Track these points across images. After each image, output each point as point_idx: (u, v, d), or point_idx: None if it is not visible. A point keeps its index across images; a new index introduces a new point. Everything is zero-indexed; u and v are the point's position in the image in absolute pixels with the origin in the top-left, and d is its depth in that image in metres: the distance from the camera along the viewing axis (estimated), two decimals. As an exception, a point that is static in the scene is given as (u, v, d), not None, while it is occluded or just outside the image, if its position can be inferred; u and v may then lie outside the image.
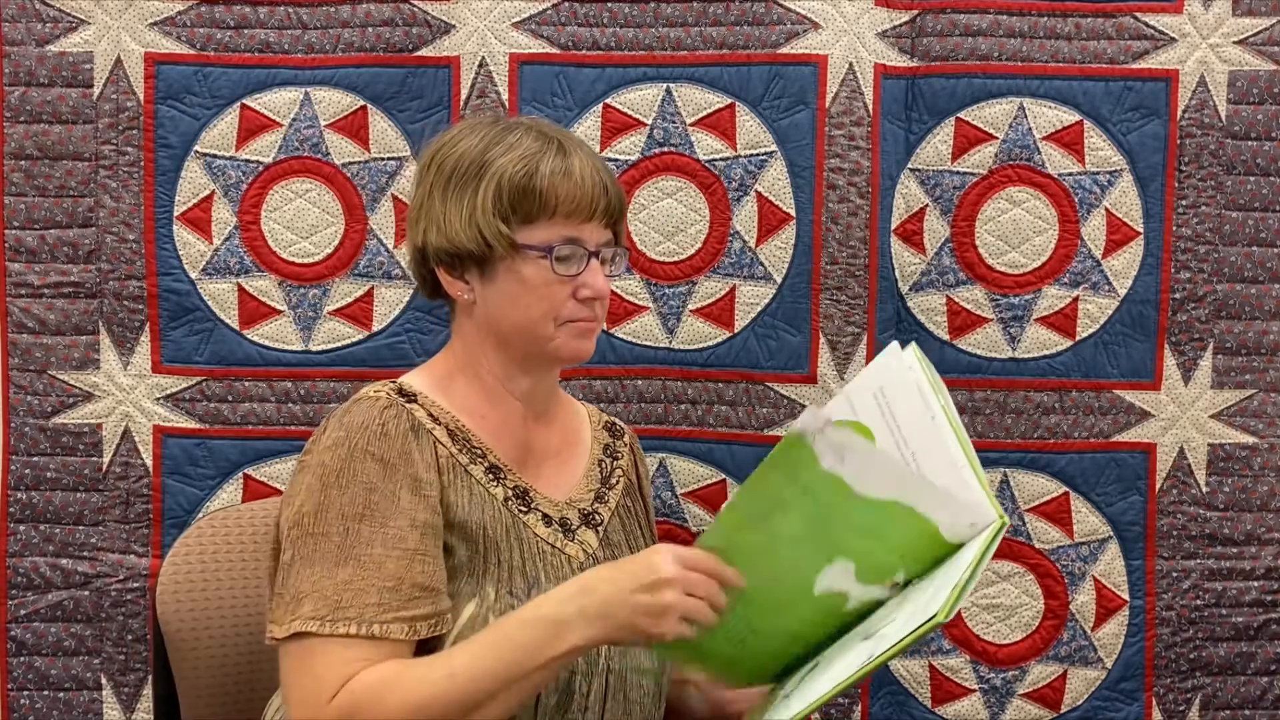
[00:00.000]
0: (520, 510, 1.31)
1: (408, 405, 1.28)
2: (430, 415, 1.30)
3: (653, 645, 1.18)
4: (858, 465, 1.14)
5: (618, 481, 1.46)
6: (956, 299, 1.93)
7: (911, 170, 1.92)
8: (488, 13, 1.92)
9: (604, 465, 1.46)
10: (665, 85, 1.92)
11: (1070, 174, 1.92)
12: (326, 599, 1.16)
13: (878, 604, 1.18)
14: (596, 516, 1.39)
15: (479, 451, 1.32)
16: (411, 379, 1.36)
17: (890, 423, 1.19)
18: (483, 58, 1.92)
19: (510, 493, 1.32)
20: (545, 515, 1.34)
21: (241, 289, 1.94)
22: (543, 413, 1.40)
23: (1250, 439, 1.93)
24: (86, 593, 1.94)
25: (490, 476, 1.31)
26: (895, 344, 1.23)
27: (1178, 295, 1.92)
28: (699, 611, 1.13)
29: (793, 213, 1.92)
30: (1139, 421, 1.93)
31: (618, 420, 1.55)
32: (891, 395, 1.20)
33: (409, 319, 1.94)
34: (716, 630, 1.16)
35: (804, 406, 1.92)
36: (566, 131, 1.37)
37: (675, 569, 1.12)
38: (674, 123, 1.92)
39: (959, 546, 1.14)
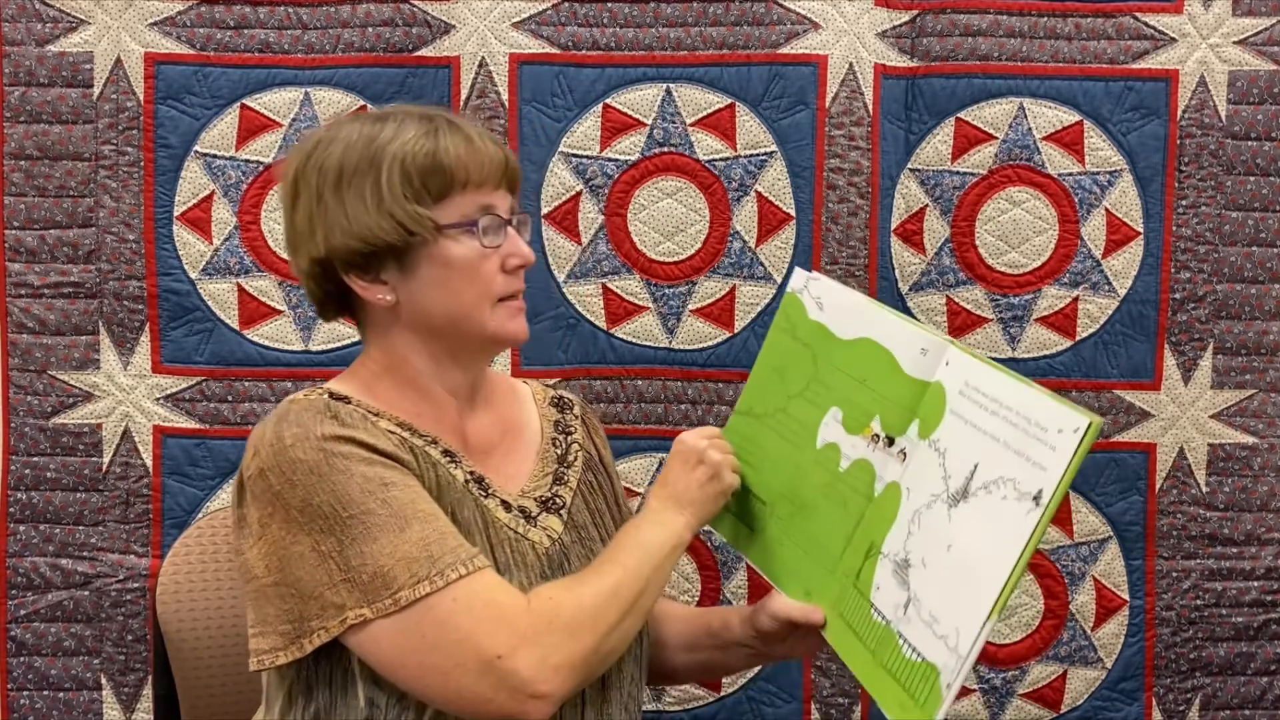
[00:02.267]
0: (480, 495, 1.26)
1: (345, 406, 1.23)
2: (369, 412, 1.24)
3: (721, 531, 1.40)
4: (835, 310, 1.32)
5: (575, 458, 1.40)
6: (956, 299, 1.93)
7: (911, 170, 1.92)
8: (488, 13, 1.92)
9: (558, 444, 1.40)
10: (665, 85, 1.92)
11: (1070, 174, 1.92)
12: (416, 559, 1.13)
13: (867, 469, 1.23)
14: (558, 500, 1.34)
15: (429, 438, 1.27)
16: (336, 385, 1.30)
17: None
18: (483, 58, 1.92)
19: (468, 476, 1.27)
20: (504, 501, 1.29)
21: (241, 289, 1.94)
22: (476, 404, 1.35)
23: (1250, 439, 1.93)
24: (86, 593, 1.94)
25: (447, 459, 1.26)
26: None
27: (1178, 295, 1.92)
28: (733, 459, 1.33)
29: (793, 213, 1.93)
30: (1139, 421, 1.93)
31: (565, 393, 1.49)
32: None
33: (409, 319, 1.94)
34: (764, 515, 1.34)
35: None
36: (441, 107, 1.32)
37: (698, 439, 1.32)
38: (674, 123, 1.92)
39: (920, 384, 1.21)
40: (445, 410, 1.31)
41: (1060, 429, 1.04)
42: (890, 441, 1.22)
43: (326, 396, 1.24)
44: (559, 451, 1.40)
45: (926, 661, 1.09)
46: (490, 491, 1.28)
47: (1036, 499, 1.04)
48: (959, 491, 1.12)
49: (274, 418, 1.20)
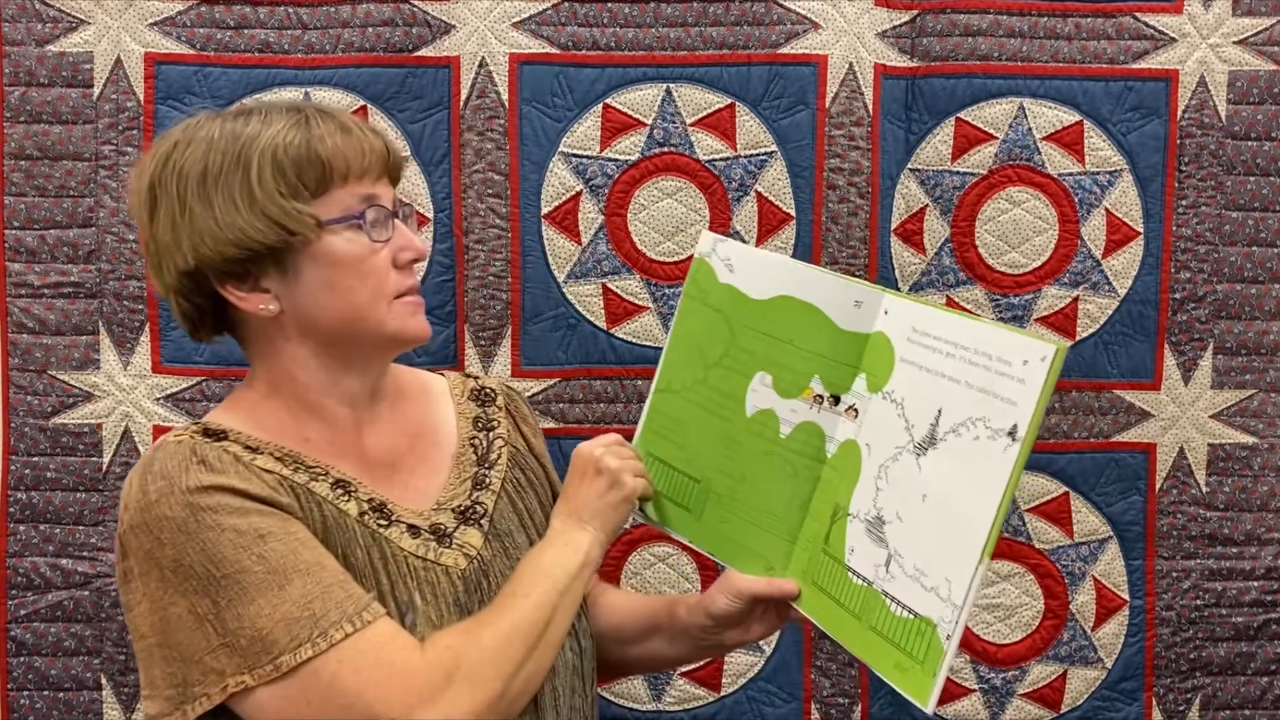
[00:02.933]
0: (380, 525, 1.17)
1: (217, 444, 1.13)
2: (246, 448, 1.14)
3: (654, 518, 1.33)
4: (746, 270, 1.26)
5: (499, 456, 1.31)
6: (956, 299, 1.93)
7: (911, 170, 1.92)
8: (488, 13, 1.92)
9: (478, 444, 1.31)
10: (665, 85, 1.92)
11: (1070, 174, 1.92)
12: (298, 620, 1.05)
13: (814, 431, 1.20)
14: (478, 509, 1.25)
15: (317, 470, 1.17)
16: (216, 417, 1.20)
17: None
18: (483, 58, 1.92)
19: (365, 506, 1.17)
20: (411, 526, 1.19)
21: (241, 289, 1.94)
22: (378, 413, 1.25)
23: (1250, 439, 1.94)
24: (86, 593, 1.94)
25: (339, 491, 1.17)
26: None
27: (1178, 295, 1.92)
28: (633, 463, 1.29)
29: (793, 213, 1.93)
30: (1139, 421, 1.93)
31: (489, 384, 1.40)
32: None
33: (409, 319, 1.94)
34: (701, 495, 1.29)
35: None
36: (305, 100, 1.21)
37: (593, 448, 1.27)
38: (674, 123, 1.92)
39: (858, 337, 1.17)
40: (340, 428, 1.22)
41: (1026, 360, 1.02)
42: (836, 400, 1.19)
43: (198, 437, 1.14)
44: (479, 452, 1.31)
45: (920, 617, 1.07)
46: (393, 518, 1.19)
47: (1012, 434, 1.02)
48: (925, 439, 1.10)
49: (141, 467, 1.12)
